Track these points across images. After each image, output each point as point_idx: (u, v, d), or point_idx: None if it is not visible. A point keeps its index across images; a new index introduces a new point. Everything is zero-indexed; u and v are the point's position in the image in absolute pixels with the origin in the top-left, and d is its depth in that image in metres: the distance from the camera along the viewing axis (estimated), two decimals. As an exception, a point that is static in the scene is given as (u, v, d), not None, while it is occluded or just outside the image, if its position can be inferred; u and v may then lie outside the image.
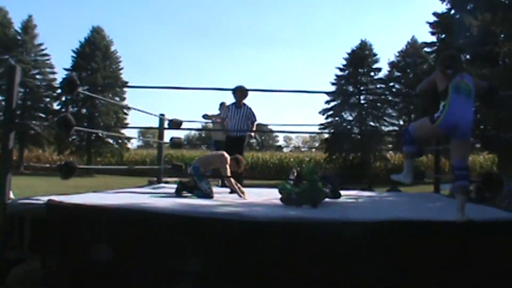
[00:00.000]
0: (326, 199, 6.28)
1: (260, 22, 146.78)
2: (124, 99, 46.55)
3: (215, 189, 7.50)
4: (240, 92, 8.97)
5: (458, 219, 4.59)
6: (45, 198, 5.26)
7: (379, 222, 4.75)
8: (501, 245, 4.63)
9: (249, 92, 9.12)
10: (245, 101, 9.05)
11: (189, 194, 7.20)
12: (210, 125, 11.69)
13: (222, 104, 10.74)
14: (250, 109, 9.05)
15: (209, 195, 7.02)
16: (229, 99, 9.54)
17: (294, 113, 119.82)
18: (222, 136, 10.41)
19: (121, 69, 48.17)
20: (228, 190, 7.74)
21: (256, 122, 9.22)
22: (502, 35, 22.12)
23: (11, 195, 5.56)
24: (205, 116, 10.84)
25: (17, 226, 5.14)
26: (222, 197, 7.12)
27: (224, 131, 9.55)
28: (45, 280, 4.95)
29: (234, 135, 9.15)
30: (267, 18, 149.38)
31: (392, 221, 4.78)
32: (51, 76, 47.50)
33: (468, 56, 27.36)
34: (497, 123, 19.27)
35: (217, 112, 11.03)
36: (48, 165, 36.77)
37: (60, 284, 4.92)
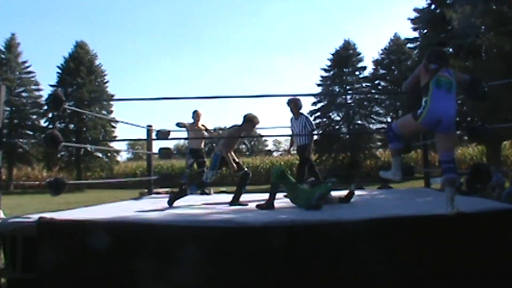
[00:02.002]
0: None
1: (243, 29, 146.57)
2: (111, 112, 46.48)
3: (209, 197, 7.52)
4: (293, 104, 9.13)
5: (449, 212, 4.62)
6: (36, 216, 5.23)
7: (370, 220, 4.77)
8: (491, 234, 4.66)
9: (236, 100, 9.28)
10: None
11: (182, 201, 7.24)
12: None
13: (195, 112, 10.75)
14: (306, 118, 9.22)
15: (206, 185, 7.11)
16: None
17: (282, 117, 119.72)
18: (197, 144, 10.54)
19: (107, 82, 48.17)
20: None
21: (313, 131, 9.37)
22: (483, 27, 22.28)
23: (2, 215, 5.55)
24: (179, 124, 10.74)
25: (9, 245, 5.12)
26: (212, 206, 7.14)
27: (202, 139, 9.77)
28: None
29: (298, 143, 9.27)
30: (249, 24, 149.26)
31: (383, 219, 4.80)
32: (37, 93, 47.52)
33: (450, 49, 27.58)
34: (484, 114, 19.38)
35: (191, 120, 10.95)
36: (37, 183, 36.52)
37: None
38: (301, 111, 9.22)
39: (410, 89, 5.55)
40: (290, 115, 9.17)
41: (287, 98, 9.06)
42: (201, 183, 7.24)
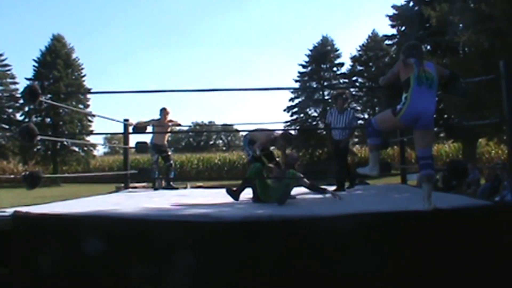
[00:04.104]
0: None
1: (222, 23, 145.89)
2: (88, 106, 46.27)
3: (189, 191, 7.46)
4: (342, 99, 9.04)
5: (426, 208, 4.64)
6: (10, 210, 5.17)
7: (347, 216, 4.77)
8: (467, 230, 4.68)
9: (212, 92, 9.27)
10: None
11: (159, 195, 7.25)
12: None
13: (162, 110, 10.74)
14: (352, 113, 9.05)
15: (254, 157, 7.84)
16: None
17: (259, 112, 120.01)
18: (161, 140, 10.53)
19: (84, 76, 47.83)
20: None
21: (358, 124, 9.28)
22: (461, 25, 22.42)
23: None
24: (137, 124, 10.44)
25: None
26: (188, 199, 7.11)
27: (166, 133, 9.78)
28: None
29: (337, 138, 9.13)
30: (227, 19, 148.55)
31: (360, 214, 4.80)
32: (13, 86, 47.01)
33: (428, 47, 27.78)
34: (460, 111, 19.54)
35: (157, 117, 10.92)
36: (13, 176, 36.18)
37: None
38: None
39: (387, 85, 5.54)
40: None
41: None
42: (259, 160, 7.50)
